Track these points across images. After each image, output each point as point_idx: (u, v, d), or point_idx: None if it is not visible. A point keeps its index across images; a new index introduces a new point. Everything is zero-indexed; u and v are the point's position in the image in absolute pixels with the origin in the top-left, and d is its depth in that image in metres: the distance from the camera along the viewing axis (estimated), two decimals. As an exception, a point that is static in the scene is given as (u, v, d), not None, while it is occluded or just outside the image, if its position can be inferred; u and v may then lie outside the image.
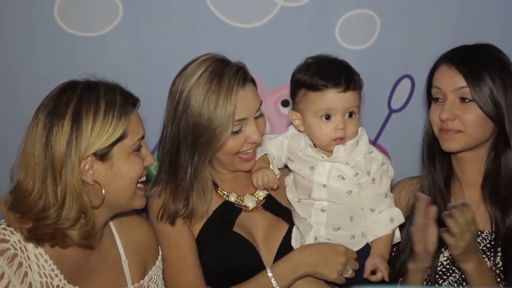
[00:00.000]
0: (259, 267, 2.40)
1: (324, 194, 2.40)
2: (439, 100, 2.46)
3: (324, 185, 2.40)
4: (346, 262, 2.36)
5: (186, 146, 2.36)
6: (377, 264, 2.35)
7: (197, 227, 2.45)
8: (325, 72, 2.38)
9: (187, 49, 2.43)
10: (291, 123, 2.51)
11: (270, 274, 2.35)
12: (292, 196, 2.50)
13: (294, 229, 2.50)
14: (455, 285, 2.43)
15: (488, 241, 2.44)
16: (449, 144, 2.43)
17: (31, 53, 2.88)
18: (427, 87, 2.55)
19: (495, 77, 2.38)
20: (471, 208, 2.30)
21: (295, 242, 2.49)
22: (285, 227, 2.50)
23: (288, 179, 2.54)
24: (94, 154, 2.07)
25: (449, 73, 2.42)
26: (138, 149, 2.17)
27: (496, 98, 2.37)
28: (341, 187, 2.40)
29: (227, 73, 2.35)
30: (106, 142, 2.07)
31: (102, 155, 2.09)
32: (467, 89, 2.38)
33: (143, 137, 2.20)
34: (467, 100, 2.39)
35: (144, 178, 2.22)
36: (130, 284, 2.31)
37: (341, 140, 2.39)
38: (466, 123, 2.39)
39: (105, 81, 2.17)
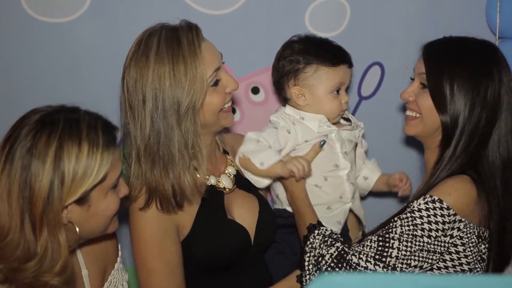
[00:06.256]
0: (249, 249, 2.46)
1: (347, 163, 2.55)
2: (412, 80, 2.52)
3: (345, 153, 2.55)
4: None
5: (171, 118, 2.24)
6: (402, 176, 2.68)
7: (189, 217, 2.37)
8: (334, 49, 2.57)
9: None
10: (277, 111, 2.62)
11: None
12: (314, 178, 2.53)
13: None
14: None
15: None
16: (406, 128, 2.52)
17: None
18: None
19: (456, 75, 2.34)
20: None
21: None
22: (256, 201, 2.54)
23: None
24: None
25: (420, 58, 2.48)
26: (115, 185, 2.06)
27: (450, 94, 2.33)
28: (352, 151, 2.62)
29: (181, 32, 2.28)
30: (88, 186, 1.94)
31: (81, 199, 1.96)
32: (425, 75, 2.41)
33: (121, 174, 2.07)
34: (424, 87, 2.42)
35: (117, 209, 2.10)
36: None
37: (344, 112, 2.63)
38: (421, 108, 2.42)
39: (86, 114, 2.01)
